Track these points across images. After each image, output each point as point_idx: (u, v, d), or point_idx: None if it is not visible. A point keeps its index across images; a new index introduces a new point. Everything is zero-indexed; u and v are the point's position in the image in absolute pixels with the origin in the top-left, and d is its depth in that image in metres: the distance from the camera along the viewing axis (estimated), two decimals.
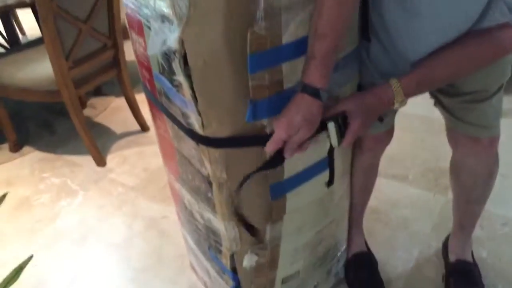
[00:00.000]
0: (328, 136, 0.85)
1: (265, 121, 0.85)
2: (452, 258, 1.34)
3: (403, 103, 0.87)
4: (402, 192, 1.72)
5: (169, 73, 0.84)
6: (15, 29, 2.81)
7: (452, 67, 0.86)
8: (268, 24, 0.73)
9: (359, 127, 0.85)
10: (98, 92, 2.68)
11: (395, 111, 1.10)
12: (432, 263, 1.42)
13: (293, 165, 0.92)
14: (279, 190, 0.95)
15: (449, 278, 1.31)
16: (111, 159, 2.12)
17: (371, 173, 1.29)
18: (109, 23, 1.96)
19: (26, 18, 3.43)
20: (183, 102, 0.86)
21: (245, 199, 0.95)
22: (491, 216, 1.54)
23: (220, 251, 1.09)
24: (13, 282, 0.75)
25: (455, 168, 1.19)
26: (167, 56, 0.80)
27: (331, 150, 0.97)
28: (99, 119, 2.46)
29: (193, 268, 1.46)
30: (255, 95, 0.80)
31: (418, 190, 1.73)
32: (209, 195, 0.98)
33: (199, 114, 0.83)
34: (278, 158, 0.86)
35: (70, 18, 1.74)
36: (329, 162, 0.99)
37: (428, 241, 1.50)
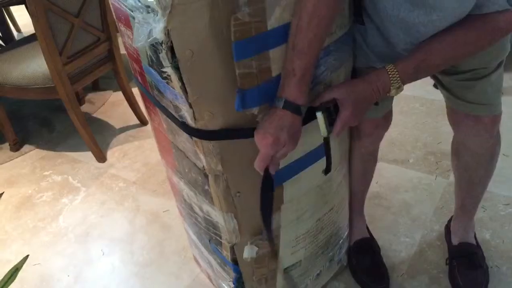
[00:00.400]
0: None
1: (255, 110, 0.83)
2: (455, 241, 1.33)
3: (399, 89, 0.85)
4: (403, 176, 1.71)
5: (158, 65, 0.82)
6: (9, 27, 2.79)
7: (449, 52, 0.83)
8: (251, 10, 0.71)
9: (349, 116, 0.84)
10: (96, 87, 2.67)
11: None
12: (435, 247, 1.41)
13: (288, 154, 0.90)
14: (276, 180, 0.93)
15: (452, 261, 1.30)
16: (111, 154, 2.12)
17: (370, 160, 1.28)
18: (102, 16, 1.94)
19: (21, 16, 3.41)
20: (174, 95, 0.84)
21: (242, 190, 0.94)
22: (494, 197, 1.53)
23: (220, 243, 1.09)
24: (10, 283, 0.75)
25: (457, 150, 1.17)
26: (154, 48, 0.79)
27: (327, 137, 0.96)
28: (98, 114, 2.46)
29: (196, 261, 1.46)
30: (243, 83, 0.78)
31: (419, 173, 1.71)
32: (206, 187, 0.97)
33: (190, 106, 0.82)
34: (269, 176, 0.87)
35: (61, 13, 1.72)
36: (325, 149, 0.97)
37: (431, 225, 1.49)
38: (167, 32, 0.73)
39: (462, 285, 1.24)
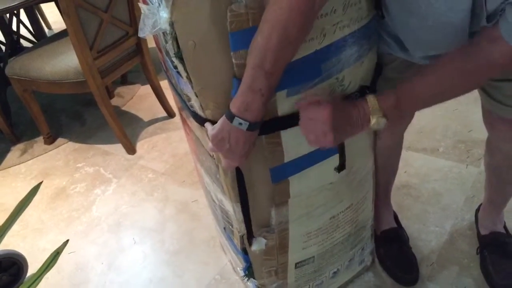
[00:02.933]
0: None
1: None
2: (483, 231, 1.31)
3: (380, 122, 0.80)
4: (433, 165, 1.68)
5: (167, 55, 0.83)
6: (40, 23, 2.87)
7: (435, 85, 0.78)
8: (248, 1, 0.71)
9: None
10: (124, 81, 2.72)
11: None
12: (466, 236, 1.39)
13: (294, 148, 0.90)
14: (280, 174, 0.92)
15: (483, 251, 1.28)
16: (141, 146, 2.17)
17: (392, 152, 1.24)
18: (129, 10, 1.97)
19: (51, 12, 3.51)
20: (183, 84, 0.85)
21: (248, 182, 0.93)
22: None
23: (232, 232, 1.09)
24: (51, 267, 0.79)
25: (490, 149, 1.14)
26: (164, 37, 0.80)
27: None
28: (127, 107, 2.51)
29: (222, 248, 1.49)
30: (240, 73, 0.77)
31: (449, 162, 1.68)
32: (218, 176, 0.98)
33: (196, 96, 0.82)
34: None
35: (91, 8, 1.77)
36: (338, 146, 0.94)
37: (462, 214, 1.47)
38: (171, 23, 0.73)
39: (495, 275, 1.22)
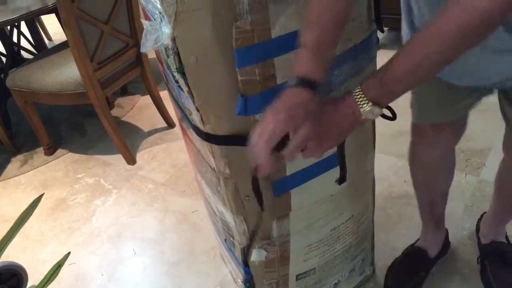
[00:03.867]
0: None
1: (258, 117, 0.81)
2: (484, 240, 1.31)
3: (374, 112, 0.69)
4: None
5: (169, 69, 0.84)
6: (41, 35, 2.89)
7: (413, 56, 0.65)
8: (254, 18, 0.71)
9: (304, 135, 0.70)
10: (124, 92, 2.74)
11: (468, 103, 1.01)
12: (466, 246, 1.39)
13: (296, 161, 0.88)
14: (282, 187, 0.93)
15: (484, 261, 1.28)
16: (140, 156, 2.17)
17: (434, 168, 1.15)
18: (130, 22, 1.99)
19: (51, 24, 3.53)
20: (185, 98, 0.86)
21: (251, 195, 0.93)
22: None
23: (233, 244, 1.09)
24: (53, 279, 0.79)
25: (507, 168, 1.13)
26: (166, 52, 0.80)
27: (341, 146, 0.93)
28: (127, 118, 2.52)
29: (222, 259, 1.49)
30: (245, 90, 0.77)
31: None
32: (219, 188, 0.97)
33: (197, 110, 0.83)
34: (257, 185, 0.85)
35: (91, 20, 1.78)
36: (338, 159, 0.95)
37: (461, 224, 1.47)
38: (173, 38, 0.74)
39: (496, 285, 1.22)
